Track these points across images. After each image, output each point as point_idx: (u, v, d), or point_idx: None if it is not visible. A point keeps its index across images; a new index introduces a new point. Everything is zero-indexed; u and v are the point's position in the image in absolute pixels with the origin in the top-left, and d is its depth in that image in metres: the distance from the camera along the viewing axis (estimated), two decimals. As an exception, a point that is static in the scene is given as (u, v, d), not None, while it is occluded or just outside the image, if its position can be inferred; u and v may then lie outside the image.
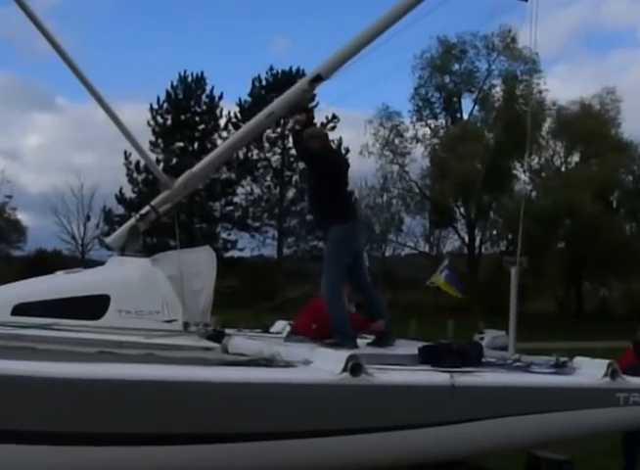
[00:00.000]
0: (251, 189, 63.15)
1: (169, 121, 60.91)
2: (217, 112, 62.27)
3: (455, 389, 6.63)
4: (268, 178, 62.78)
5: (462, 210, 59.67)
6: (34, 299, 7.52)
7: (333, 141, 52.65)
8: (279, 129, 56.68)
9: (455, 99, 60.97)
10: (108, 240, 9.51)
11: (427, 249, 64.70)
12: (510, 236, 58.10)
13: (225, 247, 61.01)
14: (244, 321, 10.28)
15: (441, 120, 61.86)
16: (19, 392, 4.96)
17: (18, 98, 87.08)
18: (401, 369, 7.04)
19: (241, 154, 57.24)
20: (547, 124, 57.25)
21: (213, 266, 8.31)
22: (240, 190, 63.07)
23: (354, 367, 6.04)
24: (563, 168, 59.23)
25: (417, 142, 60.27)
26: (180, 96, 61.35)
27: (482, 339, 9.71)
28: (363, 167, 58.21)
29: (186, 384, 5.44)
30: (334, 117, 59.98)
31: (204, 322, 7.99)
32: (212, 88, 61.98)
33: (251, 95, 61.76)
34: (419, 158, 59.77)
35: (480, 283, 53.92)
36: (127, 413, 5.24)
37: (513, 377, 7.63)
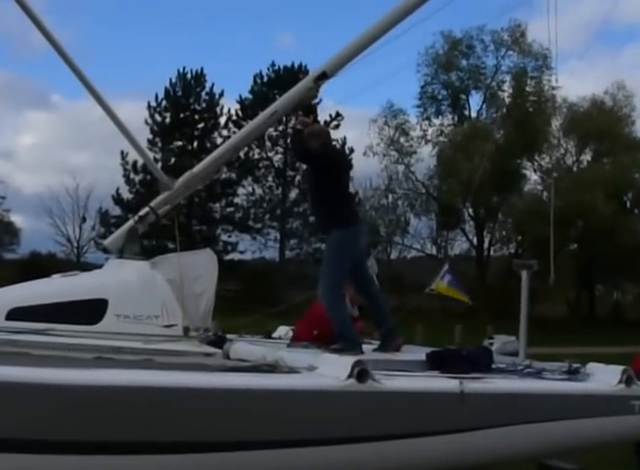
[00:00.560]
0: (253, 189, 63.11)
1: (168, 120, 60.52)
2: (217, 109, 61.94)
3: (464, 396, 6.46)
4: (270, 178, 62.69)
5: (470, 210, 59.45)
6: (29, 303, 7.37)
7: (337, 141, 52.97)
8: (281, 128, 56.23)
9: (463, 96, 60.71)
10: (105, 242, 9.39)
11: (434, 251, 64.66)
12: (519, 238, 58.17)
13: (225, 249, 60.77)
14: (246, 326, 10.14)
15: (448, 118, 61.72)
16: (13, 399, 4.81)
17: (11, 95, 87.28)
18: (409, 375, 6.92)
19: (242, 153, 57.02)
20: (557, 122, 57.04)
21: (214, 270, 8.16)
22: (241, 190, 62.96)
23: (360, 373, 5.89)
24: (574, 168, 58.92)
25: (424, 141, 60.14)
26: (179, 93, 61.01)
27: (492, 344, 9.51)
28: (368, 168, 58.37)
29: (186, 391, 5.29)
30: (337, 114, 59.92)
31: (204, 327, 7.88)
32: (212, 85, 61.80)
33: (252, 92, 61.62)
34: (425, 157, 59.74)
35: (488, 286, 53.83)
36: (126, 421, 5.09)
37: (524, 384, 7.47)
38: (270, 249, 63.40)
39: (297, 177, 59.14)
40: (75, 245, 65.59)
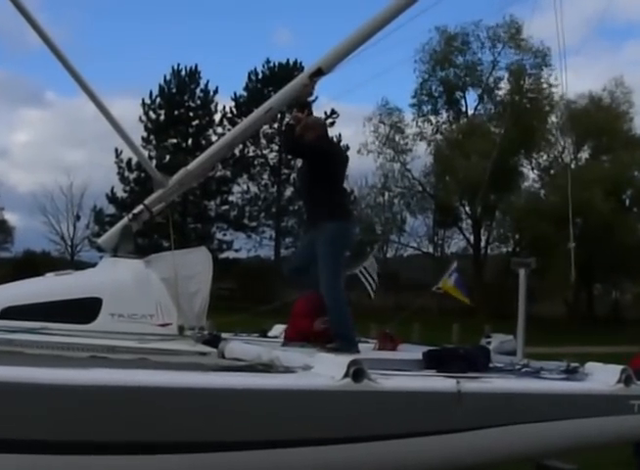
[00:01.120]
0: (248, 187, 62.76)
1: (162, 117, 60.09)
2: (212, 107, 61.47)
3: (462, 395, 6.42)
4: (265, 176, 62.47)
5: (467, 209, 59.42)
6: (23, 302, 7.32)
7: (333, 137, 52.91)
8: (276, 125, 55.98)
9: (459, 93, 60.64)
10: (99, 241, 9.34)
11: (430, 249, 64.64)
12: (517, 236, 58.16)
13: (220, 248, 60.38)
14: (241, 325, 10.10)
15: (443, 116, 61.60)
16: (6, 398, 4.76)
17: (5, 93, 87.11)
18: (405, 375, 6.90)
19: (237, 150, 56.81)
20: (555, 119, 56.97)
21: (209, 268, 8.11)
22: (236, 188, 62.56)
23: (356, 373, 5.84)
24: (573, 165, 58.85)
25: (420, 139, 60.05)
26: (173, 90, 60.55)
27: (489, 343, 9.44)
28: (363, 166, 58.29)
29: (181, 390, 5.25)
30: (333, 112, 59.53)
31: (199, 326, 7.81)
32: (207, 82, 61.23)
33: (246, 89, 61.35)
34: (421, 155, 59.66)
35: (486, 285, 53.81)
36: (120, 421, 5.05)
37: (522, 383, 7.44)
38: (265, 247, 63.33)
39: (293, 175, 58.85)
40: (69, 243, 65.43)
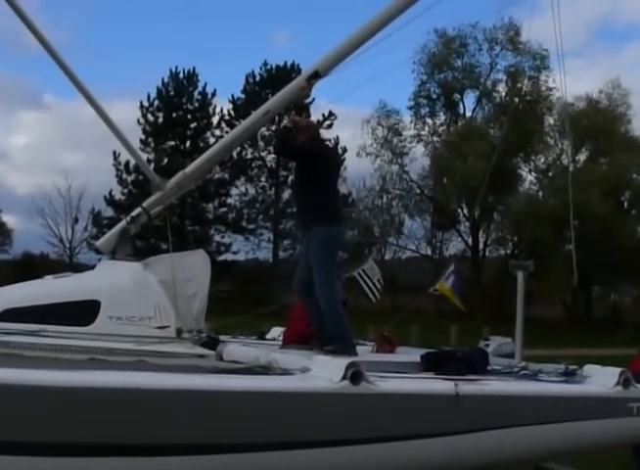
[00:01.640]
0: (246, 190, 62.64)
1: (160, 120, 60.03)
2: (210, 109, 61.41)
3: (460, 398, 6.41)
4: (263, 178, 62.37)
5: (465, 211, 59.38)
6: (22, 304, 7.36)
7: (329, 140, 52.95)
8: (274, 127, 55.75)
9: (457, 95, 60.56)
10: (97, 243, 9.35)
11: (429, 252, 64.59)
12: (515, 238, 58.11)
13: (219, 250, 60.35)
14: (237, 327, 10.10)
15: (441, 118, 61.51)
16: (5, 400, 4.76)
17: (3, 95, 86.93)
18: (403, 377, 6.86)
19: (234, 153, 56.73)
20: (553, 121, 56.91)
21: (207, 271, 8.14)
22: (234, 191, 62.45)
23: (354, 375, 5.84)
24: (571, 167, 58.78)
25: (417, 141, 59.99)
26: (171, 93, 60.51)
27: (488, 346, 9.43)
28: (361, 168, 58.28)
29: (179, 392, 5.25)
30: (330, 114, 59.54)
31: (197, 328, 7.83)
32: (205, 85, 61.21)
33: (244, 92, 61.24)
34: (419, 157, 59.61)
35: (484, 287, 53.78)
36: (118, 423, 5.05)
37: (520, 386, 7.42)
38: (263, 249, 63.24)
39: (291, 177, 58.70)
40: (68, 246, 65.26)
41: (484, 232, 60.71)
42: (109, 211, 58.39)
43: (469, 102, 60.73)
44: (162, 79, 60.56)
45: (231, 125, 52.95)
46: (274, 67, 60.87)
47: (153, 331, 7.53)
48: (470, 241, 60.47)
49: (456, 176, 50.50)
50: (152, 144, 59.32)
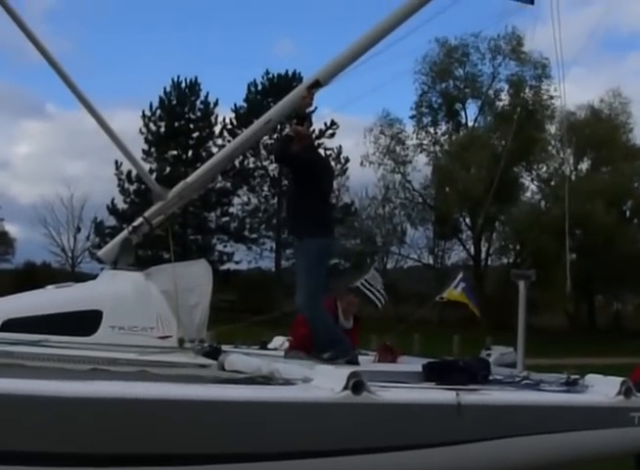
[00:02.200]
0: (248, 199, 62.59)
1: (162, 129, 60.03)
2: (212, 118, 61.37)
3: (461, 407, 6.39)
4: (265, 188, 62.31)
5: (467, 220, 59.34)
6: (24, 314, 7.38)
7: (332, 149, 53.05)
8: (276, 136, 55.69)
9: (459, 105, 60.56)
10: (100, 253, 9.34)
11: (431, 261, 64.50)
12: (518, 247, 58.03)
13: (221, 259, 60.29)
14: (236, 335, 10.10)
15: (442, 128, 61.49)
16: (7, 411, 4.75)
17: (6, 105, 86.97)
18: (405, 387, 6.87)
19: (237, 162, 56.59)
20: (554, 130, 56.91)
21: (209, 280, 8.16)
22: (236, 200, 62.42)
23: (356, 385, 5.82)
24: (573, 177, 58.78)
25: (420, 151, 59.97)
26: (174, 102, 60.49)
27: (489, 355, 9.43)
28: (364, 177, 58.24)
29: (181, 402, 5.25)
30: (333, 123, 59.59)
31: (199, 338, 7.84)
32: (207, 94, 61.21)
33: (246, 100, 61.20)
34: (421, 166, 59.59)
35: (486, 296, 53.64)
36: (120, 433, 5.04)
37: (521, 395, 7.41)
38: (266, 259, 63.13)
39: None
40: (70, 255, 65.18)
41: (486, 241, 60.67)
42: (111, 221, 58.47)
43: (470, 111, 60.84)
44: (165, 89, 60.61)
45: (233, 134, 52.85)
46: (276, 75, 60.82)
47: (155, 341, 7.54)
48: (472, 250, 60.42)
49: (458, 186, 50.49)
50: (154, 153, 59.25)
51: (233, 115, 60.88)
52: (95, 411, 4.94)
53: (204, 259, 8.69)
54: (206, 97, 61.07)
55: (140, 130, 59.28)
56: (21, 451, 4.83)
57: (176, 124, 59.76)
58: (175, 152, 59.56)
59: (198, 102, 61.11)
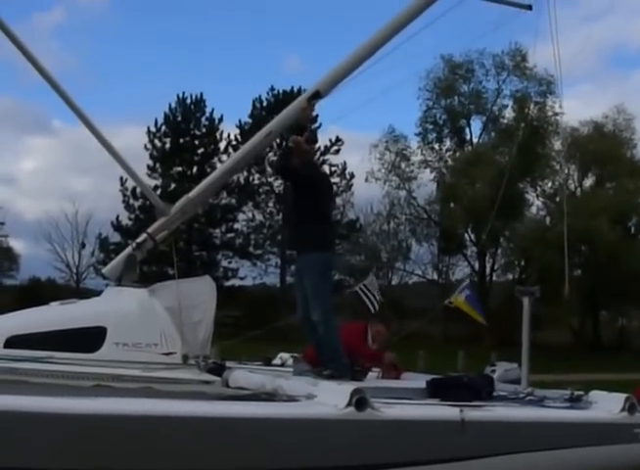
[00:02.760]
0: (253, 215, 62.20)
1: (168, 145, 59.84)
2: (217, 134, 61.11)
3: (465, 424, 6.40)
4: (270, 204, 62.20)
5: (472, 236, 59.27)
6: (28, 331, 7.40)
7: (337, 166, 53.08)
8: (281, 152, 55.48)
9: (464, 121, 60.58)
10: (104, 270, 9.35)
11: (435, 277, 64.41)
12: (523, 263, 57.93)
13: (226, 275, 60.05)
14: (244, 352, 10.10)
15: (446, 144, 61.42)
16: (11, 427, 4.79)
17: (12, 121, 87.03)
18: (409, 403, 6.90)
19: (242, 178, 56.68)
20: (561, 147, 56.81)
21: (213, 297, 8.16)
22: (241, 216, 62.04)
23: (359, 401, 5.84)
24: (578, 193, 58.74)
25: (425, 167, 59.95)
26: (179, 118, 60.35)
27: (494, 371, 9.42)
28: (369, 193, 58.20)
29: (185, 419, 5.27)
30: (337, 139, 59.49)
31: (203, 355, 7.83)
32: (212, 110, 60.97)
33: (251, 116, 61.09)
34: (426, 182, 59.50)
35: (491, 312, 53.51)
36: (125, 449, 5.06)
37: (525, 412, 7.40)
38: (271, 274, 62.99)
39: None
40: (75, 271, 65.01)
41: (491, 257, 60.58)
42: (115, 237, 58.11)
43: (475, 127, 60.83)
44: (170, 105, 60.38)
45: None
46: (281, 92, 60.71)
47: (159, 357, 7.55)
48: (476, 266, 60.35)
49: (463, 202, 50.47)
50: (159, 169, 59.06)
51: (238, 131, 60.58)
52: (99, 428, 4.95)
53: (208, 276, 8.72)
54: (212, 113, 60.96)
55: (145, 146, 59.15)
56: (25, 468, 4.85)
57: (181, 140, 59.62)
58: (180, 168, 59.33)
59: (203, 118, 60.96)
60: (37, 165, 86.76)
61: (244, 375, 7.59)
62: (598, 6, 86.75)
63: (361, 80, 8.72)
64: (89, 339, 7.42)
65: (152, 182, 53.13)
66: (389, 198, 59.51)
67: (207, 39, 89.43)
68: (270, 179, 59.69)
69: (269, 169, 57.55)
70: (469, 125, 60.69)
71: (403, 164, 59.37)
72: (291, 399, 6.30)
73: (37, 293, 46.08)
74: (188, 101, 60.64)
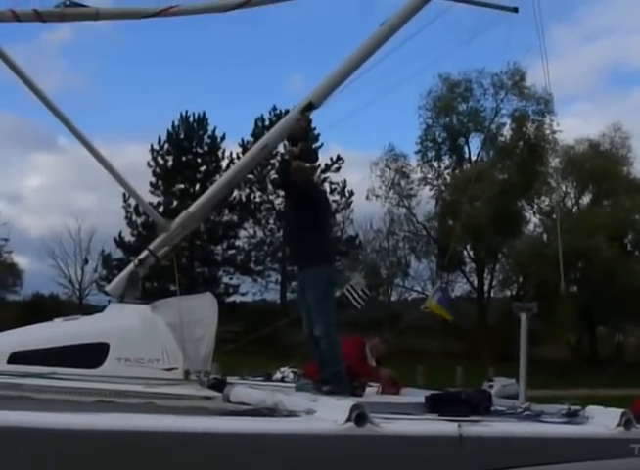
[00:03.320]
0: (254, 232, 62.04)
1: (170, 163, 59.86)
2: (219, 153, 61.15)
3: (463, 439, 6.44)
4: (271, 221, 62.12)
5: (471, 253, 59.27)
6: (31, 347, 7.44)
7: (337, 184, 53.08)
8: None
9: (462, 139, 60.67)
10: (107, 288, 9.37)
11: (434, 292, 64.08)
12: (521, 279, 57.93)
13: (227, 291, 59.87)
14: (242, 367, 10.12)
15: (446, 162, 61.51)
16: (15, 443, 4.81)
17: (17, 138, 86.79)
18: (408, 419, 6.95)
19: (243, 196, 57.00)
20: (555, 163, 56.93)
21: (215, 313, 8.20)
22: (242, 233, 61.96)
23: (359, 417, 5.87)
24: (574, 210, 58.85)
25: (424, 184, 60.03)
26: (181, 136, 60.36)
27: (492, 387, 9.48)
28: (369, 210, 58.22)
29: (187, 434, 5.29)
30: (338, 158, 59.61)
31: (205, 370, 7.86)
32: (215, 129, 61.00)
33: (253, 135, 61.00)
34: (426, 199, 59.59)
35: (489, 328, 53.58)
36: (127, 465, 5.10)
37: (523, 427, 7.44)
38: (271, 291, 62.92)
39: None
40: (78, 287, 64.86)
41: (489, 273, 60.57)
42: (118, 253, 57.93)
43: (473, 145, 60.92)
44: (173, 123, 60.43)
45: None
46: (283, 111, 60.73)
47: (161, 373, 7.59)
48: (475, 282, 60.35)
49: (462, 219, 50.50)
50: (162, 187, 59.06)
51: (240, 149, 60.58)
52: (101, 443, 4.99)
53: (209, 292, 8.77)
54: (214, 131, 60.96)
55: (148, 164, 59.22)
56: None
57: (184, 158, 59.58)
58: (182, 185, 59.25)
59: (205, 136, 60.96)
60: (42, 182, 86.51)
61: (245, 391, 7.60)
62: (597, 26, 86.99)
63: (352, 89, 8.87)
64: (92, 355, 7.46)
65: (154, 199, 53.12)
66: (390, 215, 59.62)
67: (210, 58, 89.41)
68: (271, 197, 59.71)
69: (270, 187, 57.61)
70: (467, 143, 60.83)
71: (403, 182, 59.55)
72: (291, 414, 6.31)
73: (40, 308, 46.01)
74: (191, 119, 60.65)
